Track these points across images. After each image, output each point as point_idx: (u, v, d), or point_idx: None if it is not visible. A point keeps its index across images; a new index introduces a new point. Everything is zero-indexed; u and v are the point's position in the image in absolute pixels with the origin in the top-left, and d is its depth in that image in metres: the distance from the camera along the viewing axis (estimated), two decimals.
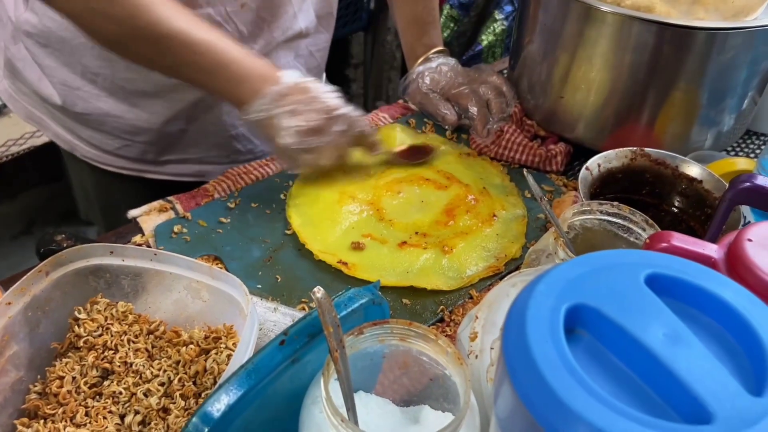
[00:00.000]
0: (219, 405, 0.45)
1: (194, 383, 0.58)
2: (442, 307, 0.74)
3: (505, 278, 0.57)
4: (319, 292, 0.47)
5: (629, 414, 0.34)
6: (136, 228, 0.80)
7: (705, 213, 0.78)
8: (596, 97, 0.92)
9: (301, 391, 0.51)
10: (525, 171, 0.62)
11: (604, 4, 0.85)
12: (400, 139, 0.97)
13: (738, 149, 1.02)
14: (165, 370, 0.59)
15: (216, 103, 0.97)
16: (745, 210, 0.74)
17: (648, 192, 0.82)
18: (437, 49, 1.06)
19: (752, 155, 1.00)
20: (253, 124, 0.80)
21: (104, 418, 0.56)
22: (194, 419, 0.45)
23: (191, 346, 0.60)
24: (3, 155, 1.79)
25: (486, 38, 1.46)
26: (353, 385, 0.56)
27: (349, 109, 0.82)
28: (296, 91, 0.79)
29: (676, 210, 0.81)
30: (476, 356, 0.56)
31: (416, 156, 0.93)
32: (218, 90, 0.80)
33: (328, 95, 0.81)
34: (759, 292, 0.49)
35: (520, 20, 1.00)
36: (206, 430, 0.45)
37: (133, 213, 0.82)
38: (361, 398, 0.57)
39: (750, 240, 0.51)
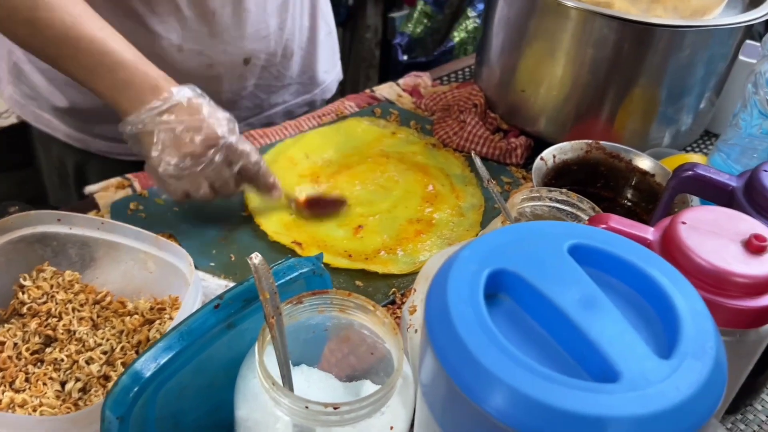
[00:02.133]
0: (150, 364, 0.45)
1: (136, 352, 0.59)
2: (393, 289, 0.74)
3: (443, 251, 0.58)
4: (256, 258, 0.48)
5: (540, 373, 0.35)
6: (92, 204, 0.80)
7: (656, 206, 0.79)
8: (558, 92, 0.93)
9: (239, 359, 0.52)
10: (473, 153, 0.63)
11: None
12: (363, 131, 0.97)
13: (697, 149, 1.03)
14: (108, 339, 0.59)
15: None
16: (696, 202, 0.76)
17: (603, 185, 0.84)
18: None
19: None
20: (131, 138, 0.73)
21: (44, 384, 0.56)
22: (124, 377, 0.45)
23: (135, 316, 0.60)
24: None
25: (458, 35, 1.48)
26: (295, 358, 0.57)
27: (237, 140, 0.75)
28: (183, 111, 0.72)
29: (629, 203, 0.83)
30: (416, 330, 0.57)
31: (324, 207, 0.83)
32: (100, 93, 0.73)
33: (219, 121, 0.74)
34: (688, 271, 0.51)
35: (486, 14, 1.01)
36: (136, 389, 0.45)
37: (90, 189, 0.82)
38: (303, 371, 0.58)
39: (684, 223, 0.53)
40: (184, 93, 0.73)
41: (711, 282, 0.50)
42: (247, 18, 0.94)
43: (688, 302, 0.39)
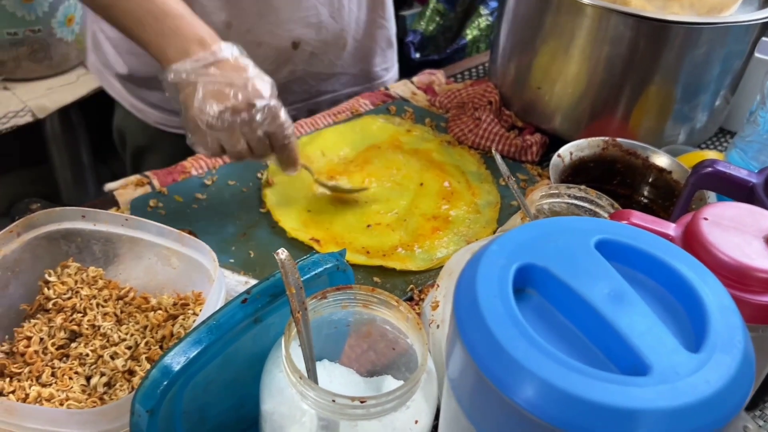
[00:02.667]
0: (179, 358, 0.46)
1: (161, 347, 0.59)
2: (411, 286, 0.75)
3: (465, 246, 0.58)
4: (282, 253, 0.48)
5: (571, 365, 0.35)
6: (112, 201, 0.81)
7: (673, 203, 0.79)
8: (573, 90, 0.94)
9: (264, 354, 0.52)
10: (493, 150, 0.64)
11: None
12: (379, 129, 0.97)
13: (711, 146, 1.03)
14: (132, 334, 0.59)
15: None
16: (713, 197, 0.76)
17: (619, 182, 0.84)
18: None
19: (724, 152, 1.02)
20: (172, 86, 0.74)
21: (70, 378, 0.57)
22: (153, 371, 0.45)
23: (159, 311, 0.61)
24: None
25: (470, 33, 1.48)
26: (317, 353, 0.57)
27: (276, 104, 0.75)
28: (228, 67, 0.73)
29: (645, 200, 0.83)
30: (437, 325, 0.57)
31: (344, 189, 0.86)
32: (146, 43, 0.74)
33: (263, 83, 0.74)
34: (711, 266, 0.51)
35: (500, 11, 1.01)
36: (165, 382, 0.45)
37: (109, 186, 0.82)
38: (325, 366, 0.58)
39: (706, 219, 0.53)
40: (231, 50, 0.74)
41: (733, 278, 0.50)
42: (298, 1, 0.95)
43: (715, 296, 0.39)
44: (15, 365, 0.57)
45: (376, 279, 0.75)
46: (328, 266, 0.53)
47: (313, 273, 0.51)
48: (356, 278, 0.74)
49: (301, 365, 0.49)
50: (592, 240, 0.42)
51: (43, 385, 0.57)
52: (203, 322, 0.47)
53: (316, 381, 0.50)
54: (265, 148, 0.76)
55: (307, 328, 0.49)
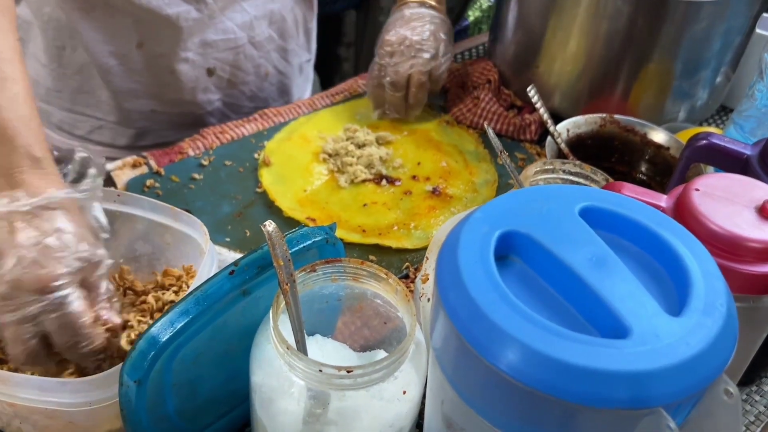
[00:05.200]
0: (166, 329, 0.46)
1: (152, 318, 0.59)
2: (407, 263, 0.75)
3: (454, 217, 0.58)
4: (270, 225, 0.48)
5: (550, 329, 0.35)
6: (109, 182, 0.81)
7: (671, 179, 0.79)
8: (572, 67, 0.93)
9: (254, 327, 0.52)
10: (486, 125, 0.63)
11: None
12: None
13: (713, 123, 1.03)
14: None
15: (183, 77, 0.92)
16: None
17: (617, 159, 0.83)
18: None
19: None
20: None
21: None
22: (141, 342, 0.46)
23: (150, 285, 0.61)
24: None
25: (473, 14, 1.47)
26: (309, 328, 0.57)
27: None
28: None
29: (643, 177, 0.82)
30: (428, 299, 0.57)
31: None
32: None
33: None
34: (702, 237, 0.50)
35: None
36: (152, 353, 0.46)
37: (107, 167, 0.82)
38: (317, 341, 0.58)
39: (697, 189, 0.52)
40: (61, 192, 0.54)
41: (724, 247, 0.50)
42: (213, 23, 0.91)
43: (699, 262, 0.39)
44: None
45: (371, 257, 0.75)
46: (317, 239, 0.53)
47: (302, 246, 0.51)
48: (352, 257, 0.74)
49: (291, 337, 0.49)
50: (576, 207, 0.42)
51: None
52: (190, 293, 0.47)
53: (305, 352, 0.50)
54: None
55: (296, 300, 0.49)
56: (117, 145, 0.96)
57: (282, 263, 0.48)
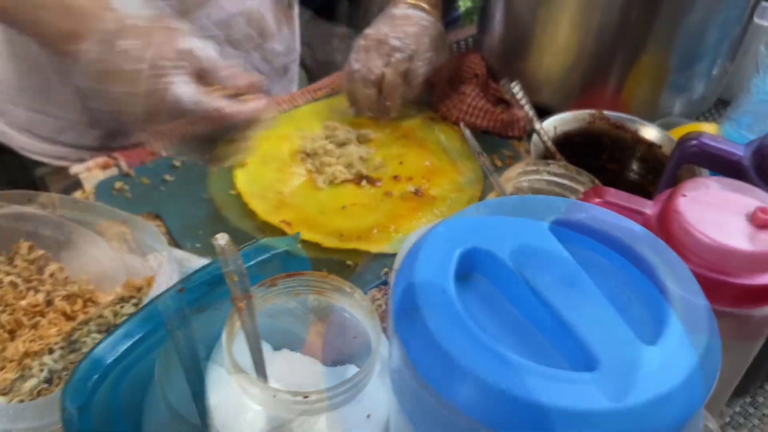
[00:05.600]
0: (109, 351, 0.43)
1: None
2: (386, 269, 0.72)
3: (422, 229, 0.55)
4: (222, 238, 0.45)
5: (512, 362, 0.31)
6: (77, 185, 0.78)
7: None
8: (563, 60, 0.89)
9: (213, 344, 0.49)
10: (462, 125, 0.60)
11: None
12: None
13: (710, 117, 0.99)
14: (76, 329, 0.57)
15: None
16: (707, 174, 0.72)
17: (607, 157, 0.80)
18: None
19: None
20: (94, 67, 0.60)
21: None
22: (83, 364, 0.43)
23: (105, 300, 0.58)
24: None
25: (464, 4, 1.43)
26: (276, 343, 0.54)
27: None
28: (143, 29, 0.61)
29: (635, 176, 0.79)
30: None
31: None
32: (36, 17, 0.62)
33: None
34: (689, 247, 0.47)
35: None
36: (95, 376, 0.43)
37: (75, 169, 0.79)
38: (285, 356, 0.55)
39: (684, 195, 0.49)
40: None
41: (713, 259, 0.46)
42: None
43: (680, 283, 0.35)
44: None
45: (349, 263, 0.72)
46: (276, 252, 0.49)
47: (259, 259, 0.48)
48: (329, 262, 0.72)
49: (248, 358, 0.46)
50: (546, 220, 0.38)
51: None
52: (135, 313, 0.44)
53: (264, 374, 0.47)
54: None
55: (253, 318, 0.46)
56: (83, 146, 0.92)
57: (236, 279, 0.45)
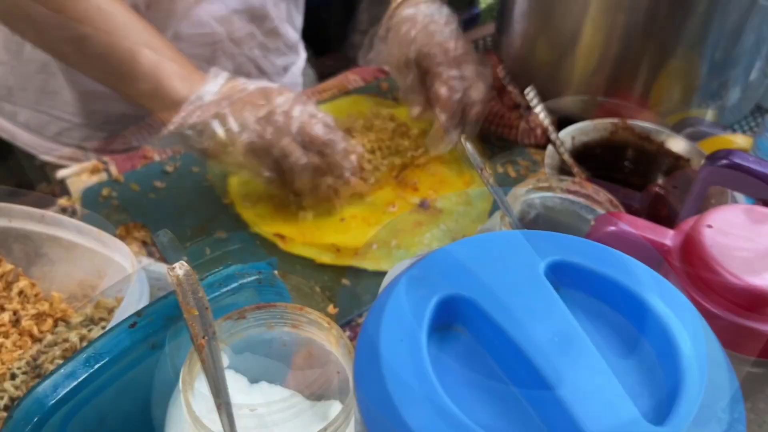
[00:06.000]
0: (53, 391, 0.38)
1: None
2: None
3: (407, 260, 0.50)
4: (180, 268, 0.40)
5: None
6: (63, 189, 0.74)
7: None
8: (585, 64, 0.83)
9: (173, 380, 0.45)
10: (462, 138, 0.54)
11: None
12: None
13: (746, 127, 0.91)
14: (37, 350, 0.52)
15: None
16: (741, 198, 0.65)
17: (630, 171, 0.73)
18: None
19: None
20: (187, 135, 0.66)
21: None
22: (22, 404, 0.38)
23: (76, 320, 0.54)
24: None
25: (484, 0, 1.36)
26: (253, 375, 0.50)
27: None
28: (236, 87, 0.67)
29: (661, 191, 0.72)
30: None
31: None
32: (141, 74, 0.66)
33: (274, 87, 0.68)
34: (714, 287, 0.41)
35: None
36: (35, 419, 0.38)
37: (62, 173, 0.75)
38: (262, 390, 0.50)
39: (710, 226, 0.43)
40: (222, 75, 0.69)
41: (742, 302, 0.40)
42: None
43: (697, 343, 0.30)
44: None
45: (344, 281, 0.67)
46: (246, 281, 0.45)
47: (225, 289, 0.43)
48: (323, 280, 0.67)
49: (209, 399, 0.41)
50: (542, 263, 0.33)
51: None
52: (82, 350, 0.39)
53: (230, 419, 0.42)
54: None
55: (216, 356, 0.41)
56: (88, 148, 0.89)
57: (196, 313, 0.40)
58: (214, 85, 0.67)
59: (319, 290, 0.67)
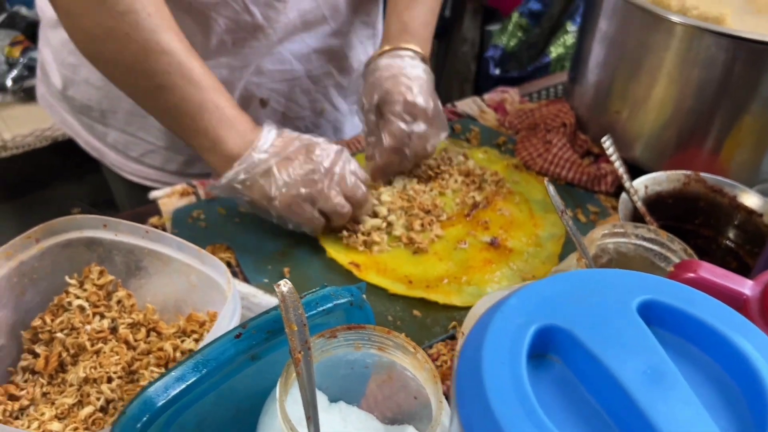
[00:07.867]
0: (160, 394, 0.42)
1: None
2: (454, 323, 0.68)
3: (496, 293, 0.52)
4: (285, 285, 0.44)
5: None
6: (155, 210, 0.79)
7: (762, 252, 0.69)
8: (657, 116, 0.85)
9: (268, 390, 0.48)
10: (546, 180, 0.57)
11: (671, 14, 0.78)
12: None
13: None
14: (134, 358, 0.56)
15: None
16: None
17: (702, 222, 0.74)
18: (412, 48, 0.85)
19: None
20: (238, 188, 0.71)
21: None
22: (133, 405, 0.41)
23: (171, 331, 0.57)
24: (39, 141, 1.84)
25: (555, 50, 1.39)
26: (333, 394, 0.52)
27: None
28: (282, 143, 0.72)
29: (731, 244, 0.73)
30: None
31: None
32: (198, 130, 0.71)
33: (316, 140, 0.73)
34: None
35: (582, 27, 0.94)
36: (144, 419, 0.41)
37: (154, 194, 0.80)
38: (341, 409, 0.53)
39: None
40: (272, 129, 0.73)
41: None
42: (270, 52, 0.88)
43: None
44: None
45: (416, 312, 0.69)
46: (340, 302, 0.47)
47: (321, 309, 0.46)
48: (395, 310, 0.69)
49: (300, 409, 0.44)
50: (634, 301, 0.35)
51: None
52: (190, 357, 0.42)
53: (317, 429, 0.45)
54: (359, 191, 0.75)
55: (309, 370, 0.44)
56: (167, 170, 0.94)
57: (296, 328, 0.43)
58: (265, 142, 0.71)
59: (391, 319, 0.69)
